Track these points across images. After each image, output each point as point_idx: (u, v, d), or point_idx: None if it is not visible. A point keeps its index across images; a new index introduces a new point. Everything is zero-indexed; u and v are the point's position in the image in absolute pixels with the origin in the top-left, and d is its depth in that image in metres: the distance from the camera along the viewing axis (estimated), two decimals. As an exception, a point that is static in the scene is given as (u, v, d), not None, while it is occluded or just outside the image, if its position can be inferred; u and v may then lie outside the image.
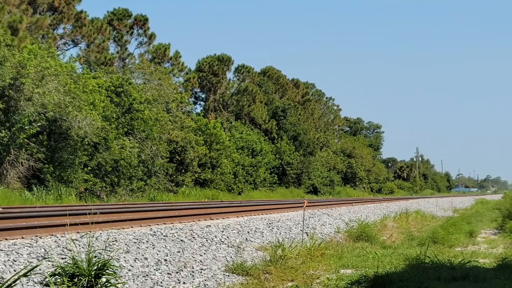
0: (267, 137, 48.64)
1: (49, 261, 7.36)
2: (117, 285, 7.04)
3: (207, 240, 11.07)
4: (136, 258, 8.64)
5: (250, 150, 43.10)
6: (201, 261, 9.57)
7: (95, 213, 10.51)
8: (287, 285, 8.97)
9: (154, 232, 10.60)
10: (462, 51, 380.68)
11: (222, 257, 10.25)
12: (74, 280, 6.70)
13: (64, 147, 22.75)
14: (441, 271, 9.48)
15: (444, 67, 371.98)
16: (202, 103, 48.58)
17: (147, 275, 8.09)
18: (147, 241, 9.75)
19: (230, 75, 49.28)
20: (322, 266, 10.89)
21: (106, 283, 6.90)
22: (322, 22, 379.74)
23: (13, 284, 6.03)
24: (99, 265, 6.91)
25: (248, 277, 9.09)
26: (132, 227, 10.88)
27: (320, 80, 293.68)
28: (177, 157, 32.65)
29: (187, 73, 44.11)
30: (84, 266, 6.78)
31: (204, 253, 10.14)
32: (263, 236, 13.15)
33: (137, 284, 7.65)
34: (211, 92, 47.02)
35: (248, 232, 13.08)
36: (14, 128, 20.46)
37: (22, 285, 6.49)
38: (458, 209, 43.73)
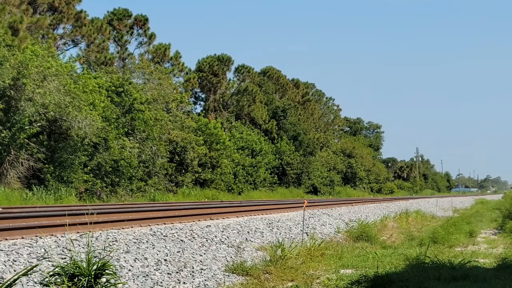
0: (267, 137, 48.65)
1: (49, 261, 7.36)
2: (117, 285, 7.04)
3: (207, 240, 11.07)
4: (136, 258, 8.64)
5: (250, 150, 43.12)
6: (201, 261, 9.57)
7: (95, 213, 10.51)
8: (287, 285, 8.97)
9: (154, 232, 10.60)
10: (462, 51, 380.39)
11: (222, 257, 10.25)
12: (74, 280, 6.70)
13: (64, 147, 22.77)
14: (441, 271, 9.48)
15: (444, 67, 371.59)
16: (202, 103, 48.64)
17: (147, 275, 8.10)
18: (147, 241, 9.75)
19: (230, 75, 49.41)
20: (322, 266, 10.88)
21: (106, 283, 6.90)
22: (322, 22, 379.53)
23: (13, 284, 6.03)
24: (99, 265, 6.91)
25: (248, 277, 9.09)
26: (132, 227, 10.87)
27: (320, 80, 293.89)
28: (177, 157, 32.66)
29: (187, 73, 44.12)
30: (84, 266, 6.79)
31: (204, 253, 10.14)
32: (263, 236, 13.15)
33: (137, 284, 7.65)
34: (211, 92, 47.04)
35: (248, 232, 13.07)
36: (14, 128, 20.47)
37: (22, 285, 6.50)
38: (458, 209, 43.70)
